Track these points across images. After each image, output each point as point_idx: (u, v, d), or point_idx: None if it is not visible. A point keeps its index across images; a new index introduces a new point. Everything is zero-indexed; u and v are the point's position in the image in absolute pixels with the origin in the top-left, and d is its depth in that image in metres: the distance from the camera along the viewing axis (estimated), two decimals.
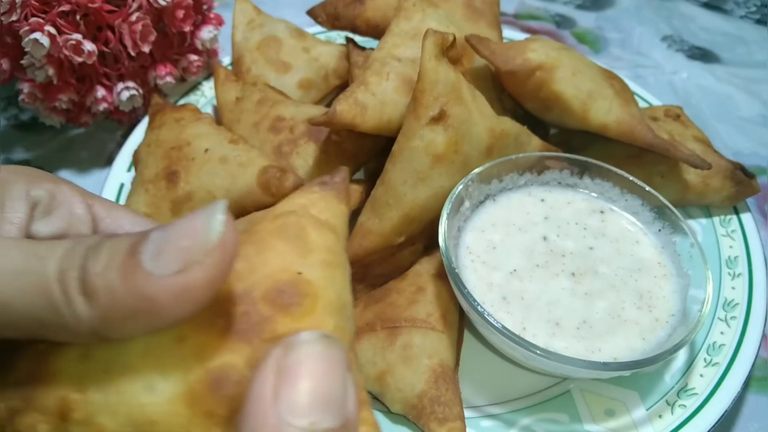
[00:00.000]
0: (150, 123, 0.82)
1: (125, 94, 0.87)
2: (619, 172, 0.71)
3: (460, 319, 0.68)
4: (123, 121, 0.94)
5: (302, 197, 0.38)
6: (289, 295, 0.31)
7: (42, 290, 0.28)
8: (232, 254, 0.28)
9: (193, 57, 0.93)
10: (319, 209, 0.37)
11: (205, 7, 0.94)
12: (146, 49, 0.84)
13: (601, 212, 0.71)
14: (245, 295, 0.31)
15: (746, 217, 0.79)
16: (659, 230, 0.69)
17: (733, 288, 0.72)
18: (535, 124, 0.77)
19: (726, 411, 0.61)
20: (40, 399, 0.31)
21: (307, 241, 0.34)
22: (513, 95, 0.77)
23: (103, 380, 0.30)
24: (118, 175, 0.82)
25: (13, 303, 0.28)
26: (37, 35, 0.76)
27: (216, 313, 0.30)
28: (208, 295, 0.28)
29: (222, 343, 0.30)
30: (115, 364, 0.30)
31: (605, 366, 0.55)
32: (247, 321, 0.30)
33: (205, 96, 0.95)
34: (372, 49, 0.80)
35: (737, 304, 0.70)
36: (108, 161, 0.94)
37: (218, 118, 0.86)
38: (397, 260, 0.70)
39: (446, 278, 0.63)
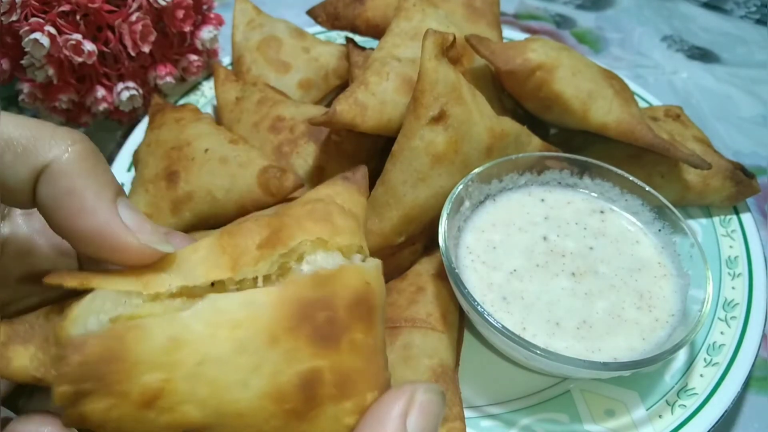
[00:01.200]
0: (150, 123, 0.82)
1: (125, 94, 0.87)
2: (619, 172, 0.71)
3: (460, 319, 0.68)
4: (123, 121, 0.94)
5: (328, 188, 0.42)
6: (365, 308, 0.35)
7: None
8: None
9: (193, 57, 0.93)
10: (342, 199, 0.41)
11: (205, 7, 0.94)
12: (146, 49, 0.84)
13: (601, 212, 0.71)
14: (326, 300, 0.34)
15: (746, 217, 0.79)
16: (659, 230, 0.69)
17: (733, 288, 0.72)
18: (535, 124, 0.77)
19: (726, 411, 0.61)
20: (120, 384, 0.31)
21: (334, 224, 0.38)
22: (513, 95, 0.77)
23: (195, 373, 0.31)
24: (118, 175, 0.82)
25: None
26: (37, 35, 0.76)
27: (303, 318, 0.33)
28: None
29: (310, 347, 0.33)
30: (208, 357, 0.32)
31: (605, 366, 0.55)
32: (330, 327, 0.34)
33: (205, 96, 0.95)
34: (372, 49, 0.80)
35: (737, 304, 0.70)
36: (108, 161, 0.94)
37: (218, 118, 0.86)
38: (397, 260, 0.70)
39: (446, 278, 0.63)
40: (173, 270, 0.36)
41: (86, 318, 0.33)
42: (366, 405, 0.35)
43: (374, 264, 0.38)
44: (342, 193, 0.42)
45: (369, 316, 0.36)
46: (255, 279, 0.35)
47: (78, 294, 0.35)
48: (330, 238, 0.37)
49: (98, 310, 0.33)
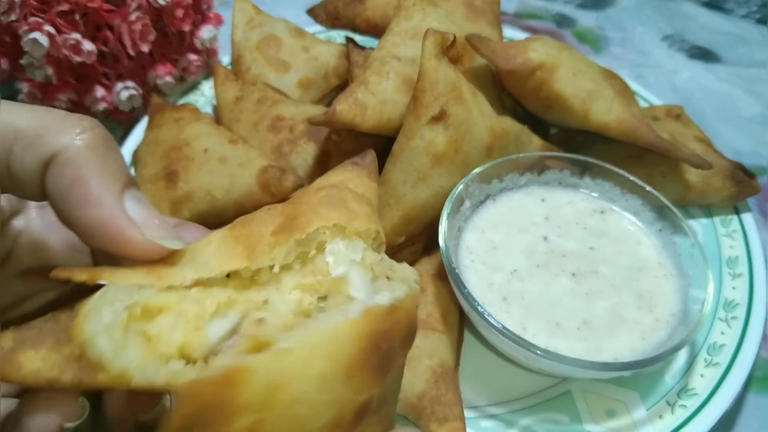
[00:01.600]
0: (149, 123, 0.81)
1: (124, 94, 0.87)
2: (620, 171, 0.71)
3: (461, 319, 0.67)
4: (122, 121, 0.94)
5: (339, 174, 0.42)
6: (412, 333, 0.37)
7: None
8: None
9: (193, 56, 0.93)
10: (354, 185, 0.41)
11: (204, 6, 0.94)
12: (145, 48, 0.84)
13: (602, 212, 0.71)
14: (391, 330, 0.35)
15: (747, 217, 0.79)
16: (660, 230, 0.69)
17: (733, 288, 0.72)
18: (536, 124, 0.77)
19: (726, 411, 0.61)
20: (219, 429, 0.32)
21: (350, 209, 0.38)
22: (513, 95, 0.77)
23: (285, 413, 0.32)
24: None
25: None
26: (36, 35, 0.76)
27: (373, 349, 0.34)
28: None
29: (372, 379, 0.34)
30: (301, 397, 0.33)
31: (606, 366, 0.55)
32: (388, 358, 0.35)
33: (204, 96, 0.95)
34: (372, 48, 0.80)
35: (738, 304, 0.70)
36: None
37: (218, 117, 0.86)
38: (397, 260, 0.70)
39: (446, 278, 0.63)
40: (186, 263, 0.35)
41: (99, 311, 0.32)
42: (387, 415, 0.36)
43: (416, 278, 0.39)
44: (353, 179, 0.41)
45: (411, 339, 0.37)
46: (272, 267, 0.35)
47: (87, 293, 0.34)
48: (348, 224, 0.36)
49: (112, 301, 0.32)
